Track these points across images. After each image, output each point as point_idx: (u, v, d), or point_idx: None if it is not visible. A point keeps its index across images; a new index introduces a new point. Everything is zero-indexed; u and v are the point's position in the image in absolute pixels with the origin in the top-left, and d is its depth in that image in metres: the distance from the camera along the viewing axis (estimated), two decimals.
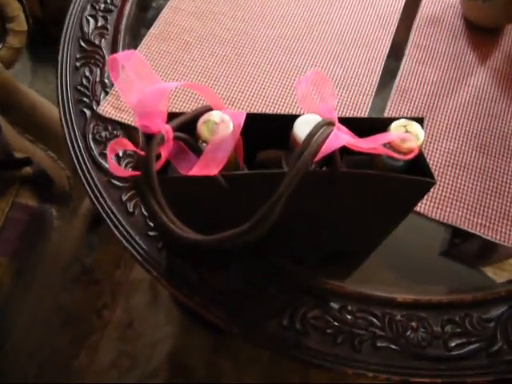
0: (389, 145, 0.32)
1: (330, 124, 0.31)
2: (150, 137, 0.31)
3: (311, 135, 0.29)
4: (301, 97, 0.33)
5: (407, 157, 0.31)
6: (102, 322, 0.99)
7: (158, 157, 0.31)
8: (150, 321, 0.99)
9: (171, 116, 0.33)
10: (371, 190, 0.35)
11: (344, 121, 0.33)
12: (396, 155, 0.31)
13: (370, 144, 0.31)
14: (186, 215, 0.31)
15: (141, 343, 0.97)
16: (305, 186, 0.33)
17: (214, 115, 0.32)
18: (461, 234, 0.50)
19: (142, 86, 0.31)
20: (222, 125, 0.32)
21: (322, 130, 0.30)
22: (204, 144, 0.32)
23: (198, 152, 0.33)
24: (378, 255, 0.49)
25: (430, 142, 0.54)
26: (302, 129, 0.32)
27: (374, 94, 0.57)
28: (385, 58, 0.60)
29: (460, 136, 0.55)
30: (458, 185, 0.52)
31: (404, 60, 0.60)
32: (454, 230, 0.50)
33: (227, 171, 0.33)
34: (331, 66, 0.59)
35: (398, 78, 0.58)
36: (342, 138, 0.30)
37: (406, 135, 0.31)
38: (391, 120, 0.34)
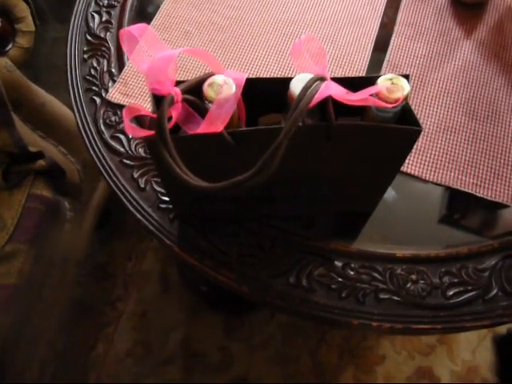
0: (377, 96, 0.35)
1: (323, 79, 0.34)
2: (160, 100, 0.34)
3: (306, 88, 0.33)
4: (295, 59, 0.36)
5: (394, 105, 0.34)
6: (117, 313, 1.02)
7: (169, 119, 0.35)
8: (163, 310, 1.02)
9: (178, 83, 0.36)
10: (364, 143, 0.38)
11: (336, 80, 0.36)
12: (384, 104, 0.34)
13: (359, 95, 0.34)
14: (196, 173, 0.34)
15: (155, 332, 1.00)
16: (303, 141, 0.36)
17: (218, 78, 0.35)
18: (460, 210, 0.53)
19: (152, 54, 0.34)
20: (226, 86, 0.35)
21: (315, 84, 0.33)
22: (210, 104, 0.35)
23: (204, 113, 0.36)
24: (379, 218, 0.52)
25: (422, 110, 0.57)
26: (297, 86, 0.35)
27: (366, 69, 0.60)
28: (375, 36, 0.63)
29: (449, 103, 0.58)
30: (450, 148, 0.55)
31: (393, 36, 0.63)
32: (453, 204, 0.53)
33: None
34: (325, 46, 0.62)
35: (388, 53, 0.62)
36: (333, 87, 0.33)
37: (393, 86, 0.34)
38: (379, 77, 0.37)
